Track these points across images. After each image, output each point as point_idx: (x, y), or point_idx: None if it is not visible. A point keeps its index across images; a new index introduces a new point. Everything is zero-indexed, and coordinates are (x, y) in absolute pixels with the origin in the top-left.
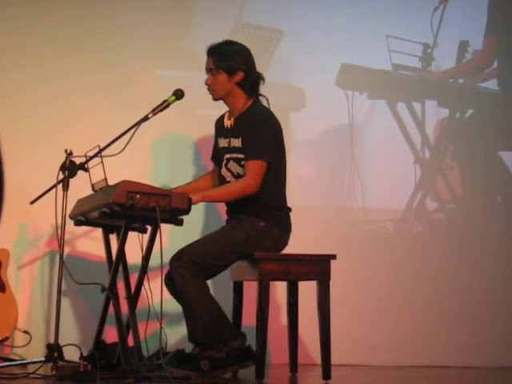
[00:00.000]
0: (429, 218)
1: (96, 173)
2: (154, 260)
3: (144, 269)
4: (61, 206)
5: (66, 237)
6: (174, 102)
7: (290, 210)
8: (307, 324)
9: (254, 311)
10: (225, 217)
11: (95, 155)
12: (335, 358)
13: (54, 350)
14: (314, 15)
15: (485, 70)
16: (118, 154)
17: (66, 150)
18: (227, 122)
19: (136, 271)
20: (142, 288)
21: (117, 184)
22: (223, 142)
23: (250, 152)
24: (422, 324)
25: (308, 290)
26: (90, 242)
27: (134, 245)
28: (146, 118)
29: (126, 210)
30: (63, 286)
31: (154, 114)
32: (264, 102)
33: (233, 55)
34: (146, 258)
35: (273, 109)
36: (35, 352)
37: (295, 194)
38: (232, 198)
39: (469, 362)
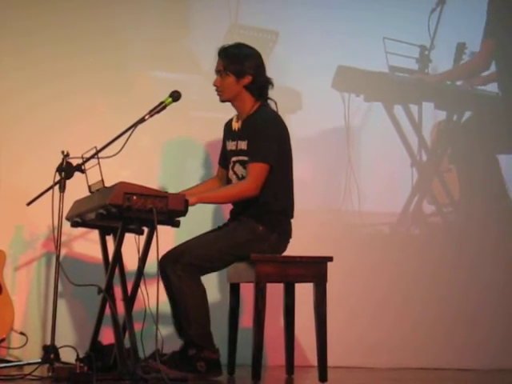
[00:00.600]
0: (426, 221)
1: (93, 174)
2: (151, 262)
3: (140, 270)
4: (57, 207)
5: (63, 238)
6: (170, 103)
7: (292, 216)
8: (304, 326)
9: (250, 313)
10: (224, 216)
11: (92, 156)
12: (331, 360)
13: (50, 352)
14: (310, 17)
15: (482, 72)
16: (114, 155)
17: (62, 152)
18: (235, 125)
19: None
20: (139, 290)
21: (113, 185)
22: (231, 145)
23: (252, 154)
24: (419, 326)
25: (305, 292)
26: (87, 244)
27: (131, 246)
28: (142, 120)
29: (122, 211)
30: (60, 288)
31: (151, 116)
32: (272, 105)
33: (243, 58)
34: (143, 259)
35: None
36: (31, 353)
37: None
38: (230, 200)
39: (466, 364)
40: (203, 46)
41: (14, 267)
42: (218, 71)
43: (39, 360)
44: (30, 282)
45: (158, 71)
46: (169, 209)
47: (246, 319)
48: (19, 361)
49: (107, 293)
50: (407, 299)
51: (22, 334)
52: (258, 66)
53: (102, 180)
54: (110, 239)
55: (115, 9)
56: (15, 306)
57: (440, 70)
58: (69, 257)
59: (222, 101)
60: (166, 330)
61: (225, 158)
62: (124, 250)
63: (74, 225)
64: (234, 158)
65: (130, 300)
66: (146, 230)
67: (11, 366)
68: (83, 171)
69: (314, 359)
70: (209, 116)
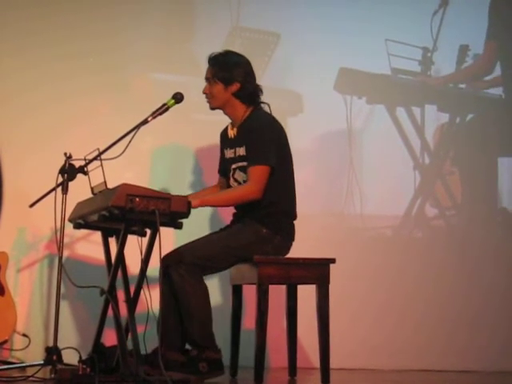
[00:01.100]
0: (428, 224)
1: (95, 176)
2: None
3: (143, 272)
4: (60, 209)
5: (65, 240)
6: (173, 105)
7: (295, 217)
8: (306, 328)
9: (253, 315)
10: (224, 218)
11: (94, 158)
12: (334, 362)
13: (52, 353)
14: (312, 18)
15: (486, 75)
16: (117, 157)
17: (65, 153)
18: (230, 133)
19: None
20: (141, 291)
21: (116, 187)
22: (229, 153)
23: (252, 158)
24: (421, 328)
25: (307, 293)
26: (90, 246)
27: (133, 248)
28: (145, 122)
29: (125, 213)
30: (62, 290)
31: (154, 118)
32: (266, 108)
33: (232, 66)
34: (145, 261)
35: None
36: (34, 355)
37: None
38: (233, 204)
39: (468, 366)
40: (205, 48)
41: (16, 269)
42: (206, 79)
43: (42, 362)
44: (33, 283)
45: (160, 73)
46: (171, 211)
47: (249, 321)
48: (22, 362)
49: (110, 294)
50: (409, 302)
51: (24, 335)
52: (246, 73)
53: (105, 182)
54: (112, 241)
55: (116, 10)
56: (18, 307)
57: (443, 72)
58: (71, 258)
59: (212, 108)
60: None
61: (224, 166)
62: (126, 251)
63: (77, 226)
64: (233, 166)
65: (132, 301)
66: (148, 231)
67: (14, 368)
68: (86, 173)
69: (316, 361)
70: (210, 119)
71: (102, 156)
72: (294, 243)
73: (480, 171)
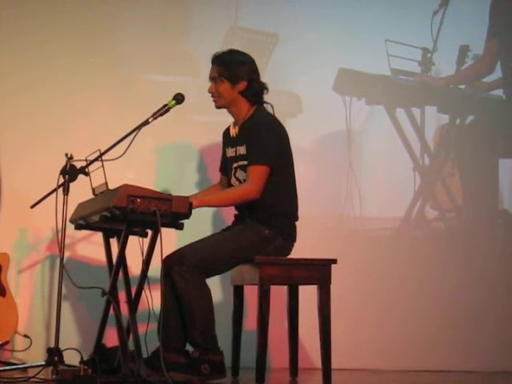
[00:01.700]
0: (428, 226)
1: (96, 177)
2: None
3: (144, 273)
4: (61, 210)
5: (67, 241)
6: (174, 106)
7: (297, 218)
8: (308, 328)
9: (254, 315)
10: (225, 219)
11: (96, 159)
12: (336, 363)
13: (54, 354)
14: (311, 19)
15: (487, 75)
16: (118, 158)
17: (66, 154)
18: (232, 132)
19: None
20: (143, 292)
21: (117, 188)
22: (231, 152)
23: (251, 157)
24: (423, 329)
25: (309, 294)
26: (91, 246)
27: (135, 249)
28: (146, 122)
29: (126, 213)
30: (63, 290)
31: (155, 118)
32: (269, 109)
33: (237, 64)
34: (147, 262)
35: None
36: (35, 356)
37: None
38: (232, 203)
39: (471, 366)
40: (203, 48)
41: (17, 270)
42: (212, 78)
43: (43, 362)
44: (34, 284)
45: (159, 74)
46: (172, 211)
47: (250, 321)
48: (23, 363)
49: (111, 295)
50: (411, 302)
51: (25, 336)
52: (252, 71)
53: (106, 182)
54: (113, 242)
55: (116, 9)
56: (19, 308)
57: (443, 73)
58: (73, 259)
59: (218, 107)
60: None
61: (225, 165)
62: (128, 252)
63: (78, 227)
64: (234, 165)
65: (133, 302)
66: (149, 232)
67: (15, 369)
68: (87, 174)
69: (318, 362)
70: (208, 119)
71: (103, 157)
72: (294, 245)
73: (481, 173)
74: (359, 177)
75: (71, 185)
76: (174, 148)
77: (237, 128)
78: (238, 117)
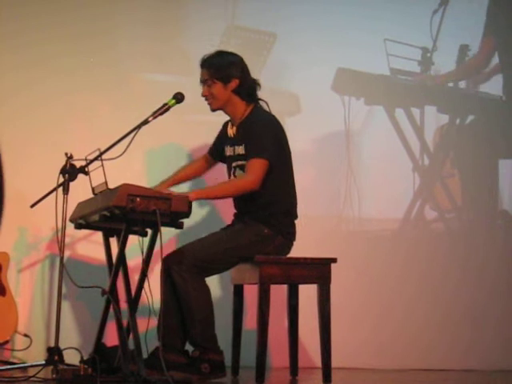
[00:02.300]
0: (428, 226)
1: (96, 176)
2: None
3: (144, 272)
4: (61, 209)
5: (67, 240)
6: (174, 105)
7: (296, 217)
8: (308, 327)
9: (254, 315)
10: (225, 217)
11: (95, 158)
12: (336, 362)
13: (54, 354)
14: (309, 18)
15: (482, 70)
16: (118, 157)
17: (66, 154)
18: (230, 132)
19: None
20: (142, 291)
21: (117, 187)
22: (229, 151)
23: (250, 151)
24: (424, 328)
25: (309, 293)
26: (91, 246)
27: (135, 248)
28: (146, 122)
29: (126, 213)
30: (63, 290)
31: (155, 118)
32: (264, 106)
33: (227, 64)
34: (146, 261)
35: None
36: (35, 355)
37: None
38: (231, 194)
39: (472, 365)
40: (200, 47)
41: (17, 269)
42: (203, 81)
43: (43, 362)
44: (34, 284)
45: (157, 73)
46: (172, 210)
47: (250, 321)
48: (23, 363)
49: (111, 295)
50: (412, 301)
51: (25, 335)
52: (242, 69)
53: (106, 182)
54: (113, 241)
55: (114, 8)
56: (19, 308)
57: (442, 73)
58: (72, 259)
59: (214, 110)
60: None
61: (215, 149)
62: (127, 251)
63: (78, 227)
64: (233, 164)
65: (133, 302)
66: (149, 231)
67: (15, 368)
68: (87, 173)
69: (318, 360)
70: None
71: (103, 156)
72: (294, 243)
73: (480, 173)
74: (358, 177)
75: (71, 184)
76: (170, 147)
77: (234, 128)
78: (234, 116)
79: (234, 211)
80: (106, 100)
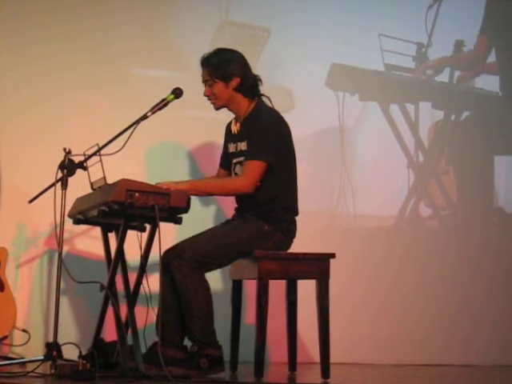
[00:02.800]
0: (423, 223)
1: (95, 171)
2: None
3: (143, 267)
4: (59, 204)
5: (65, 235)
6: (172, 100)
7: (297, 213)
8: (306, 323)
9: (253, 310)
10: (226, 212)
11: (94, 154)
12: (334, 357)
13: (52, 349)
14: (304, 13)
15: (476, 66)
16: (116, 152)
17: (64, 149)
18: (234, 128)
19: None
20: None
21: (116, 182)
22: (232, 148)
23: (249, 152)
24: (422, 323)
25: (307, 288)
26: (89, 241)
27: (133, 243)
28: (144, 117)
29: (124, 208)
30: (62, 285)
31: (153, 113)
32: (267, 102)
33: (226, 63)
34: (145, 256)
35: None
36: (34, 351)
37: None
38: (222, 194)
39: (470, 360)
40: (193, 43)
41: (16, 265)
42: (205, 81)
43: (42, 357)
44: (33, 279)
45: (154, 69)
46: (171, 205)
47: (249, 316)
48: (22, 358)
49: (109, 290)
50: (410, 297)
51: (24, 331)
52: (243, 66)
53: (104, 177)
54: (112, 236)
55: (112, 6)
56: (17, 303)
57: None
58: (71, 254)
59: (217, 108)
60: None
61: (226, 159)
62: (126, 246)
63: (76, 222)
64: (234, 160)
65: (132, 297)
66: (148, 227)
67: (14, 364)
68: (85, 168)
69: (316, 356)
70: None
71: (102, 151)
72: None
73: (476, 170)
74: (352, 174)
75: (69, 179)
76: (168, 143)
77: (238, 124)
78: (238, 113)
79: (235, 205)
80: (104, 97)
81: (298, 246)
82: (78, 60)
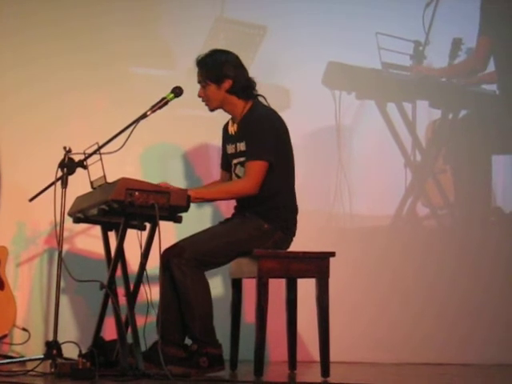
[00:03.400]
0: (420, 223)
1: (95, 170)
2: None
3: (143, 266)
4: (59, 203)
5: (65, 234)
6: (172, 99)
7: (297, 211)
8: (306, 321)
9: (253, 308)
10: (224, 212)
11: (94, 152)
12: (334, 355)
13: (52, 348)
14: (300, 11)
15: (479, 72)
16: (116, 151)
17: (64, 148)
18: (231, 129)
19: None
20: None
21: (116, 181)
22: (231, 148)
23: (249, 153)
24: (421, 322)
25: (307, 287)
26: (89, 240)
27: (133, 242)
28: (144, 116)
29: (124, 207)
30: (62, 284)
31: (153, 112)
32: (263, 101)
33: (220, 65)
34: (145, 255)
35: None
36: (34, 349)
37: None
38: (228, 198)
39: (469, 359)
40: (187, 40)
41: (16, 263)
42: (199, 82)
43: (42, 356)
44: (32, 278)
45: (151, 68)
46: (171, 204)
47: (249, 315)
48: (22, 357)
49: (109, 289)
50: (409, 296)
51: (24, 329)
52: (236, 68)
53: (104, 176)
54: (112, 235)
55: (112, 6)
56: (17, 302)
57: (435, 67)
58: (71, 253)
59: (211, 110)
60: None
61: (226, 161)
62: (126, 245)
63: (76, 221)
64: (234, 161)
65: (132, 296)
66: (148, 225)
67: (14, 362)
68: (85, 167)
69: (316, 354)
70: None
71: (102, 150)
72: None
73: (473, 169)
74: (349, 173)
75: (69, 178)
76: (165, 144)
77: (235, 125)
78: (234, 114)
79: (235, 204)
80: (104, 96)
81: (295, 245)
82: (78, 60)
